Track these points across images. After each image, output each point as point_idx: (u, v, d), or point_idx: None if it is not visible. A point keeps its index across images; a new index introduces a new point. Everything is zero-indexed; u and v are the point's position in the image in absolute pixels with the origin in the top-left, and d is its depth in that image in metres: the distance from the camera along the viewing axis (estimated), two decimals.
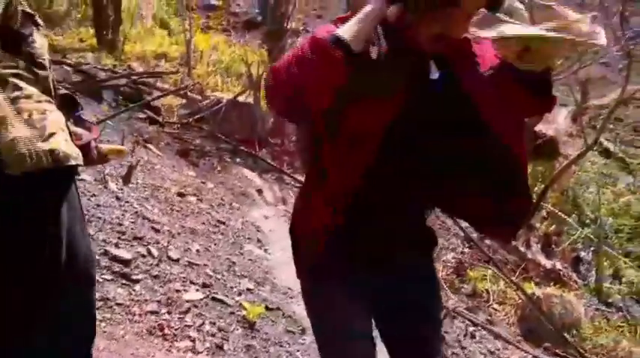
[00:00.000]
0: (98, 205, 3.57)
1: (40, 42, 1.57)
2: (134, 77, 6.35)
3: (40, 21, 1.60)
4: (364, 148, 1.40)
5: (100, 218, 3.42)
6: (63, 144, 1.53)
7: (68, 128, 1.69)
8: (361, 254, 1.49)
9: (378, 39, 1.41)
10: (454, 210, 1.61)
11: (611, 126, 8.64)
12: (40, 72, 1.54)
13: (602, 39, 1.24)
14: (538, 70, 1.31)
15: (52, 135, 1.51)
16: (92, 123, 1.80)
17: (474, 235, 5.54)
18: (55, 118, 1.55)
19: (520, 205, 1.48)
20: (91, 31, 8.14)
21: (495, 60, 1.39)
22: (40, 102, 1.52)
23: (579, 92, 7.85)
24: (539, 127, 8.26)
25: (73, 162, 1.55)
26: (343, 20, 1.39)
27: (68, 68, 6.48)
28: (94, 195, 3.66)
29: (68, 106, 1.75)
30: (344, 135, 1.42)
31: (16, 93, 1.47)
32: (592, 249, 6.14)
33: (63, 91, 1.78)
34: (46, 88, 1.57)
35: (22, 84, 1.49)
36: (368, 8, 1.36)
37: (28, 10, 1.54)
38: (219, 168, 5.28)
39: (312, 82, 1.30)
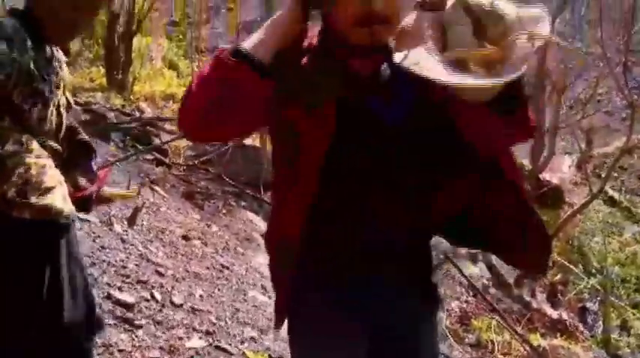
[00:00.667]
0: (103, 247, 3.55)
1: (39, 115, 1.56)
2: (145, 120, 6.43)
3: (49, 94, 1.59)
4: (305, 173, 1.25)
5: (104, 260, 3.40)
6: (59, 200, 1.54)
7: (75, 178, 1.70)
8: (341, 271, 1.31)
9: (312, 46, 1.26)
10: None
11: (616, 174, 8.68)
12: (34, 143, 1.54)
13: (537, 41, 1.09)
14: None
15: (49, 190, 1.52)
16: (98, 174, 1.79)
17: (478, 284, 5.50)
18: (53, 173, 1.56)
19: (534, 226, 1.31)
20: (102, 70, 8.31)
21: None
22: (39, 157, 1.53)
23: (583, 140, 7.91)
24: (544, 175, 8.31)
25: (64, 221, 1.56)
26: None
27: (78, 107, 6.60)
28: (98, 236, 3.66)
29: (84, 153, 1.76)
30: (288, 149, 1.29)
31: (16, 147, 1.48)
32: (599, 299, 6.07)
33: (82, 137, 1.79)
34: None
35: (24, 138, 1.50)
36: (277, 13, 1.21)
37: (38, 85, 1.55)
38: (224, 211, 5.28)
39: (216, 98, 1.16)
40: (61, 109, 1.67)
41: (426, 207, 1.32)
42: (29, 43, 1.52)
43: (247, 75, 1.15)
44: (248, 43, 1.18)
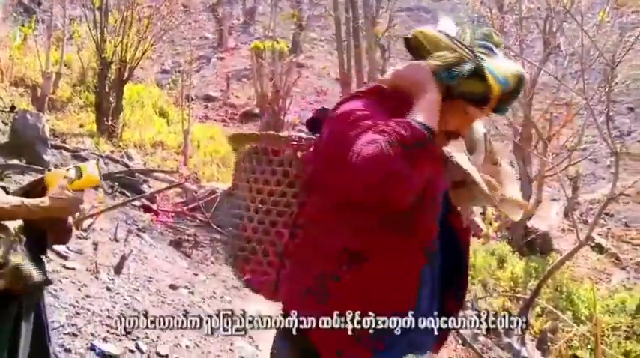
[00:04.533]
0: (88, 296, 3.49)
1: None
2: (134, 170, 6.44)
3: None
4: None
5: (89, 310, 3.34)
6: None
7: None
8: None
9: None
10: None
11: (602, 221, 8.74)
12: None
13: (516, 217, 1.52)
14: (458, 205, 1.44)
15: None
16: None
17: (467, 332, 5.45)
18: None
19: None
20: (92, 116, 8.32)
21: None
22: None
23: (570, 187, 8.00)
24: (532, 223, 8.37)
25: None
26: (370, 93, 1.34)
27: (66, 153, 6.58)
28: (84, 285, 3.60)
29: None
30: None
31: None
32: (589, 347, 6.02)
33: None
34: None
35: None
36: (429, 96, 1.27)
37: None
38: (212, 259, 5.23)
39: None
40: None
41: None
42: None
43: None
44: (425, 119, 1.23)
